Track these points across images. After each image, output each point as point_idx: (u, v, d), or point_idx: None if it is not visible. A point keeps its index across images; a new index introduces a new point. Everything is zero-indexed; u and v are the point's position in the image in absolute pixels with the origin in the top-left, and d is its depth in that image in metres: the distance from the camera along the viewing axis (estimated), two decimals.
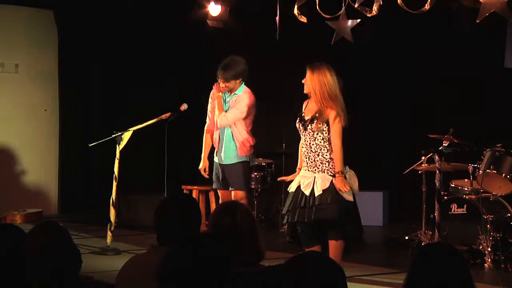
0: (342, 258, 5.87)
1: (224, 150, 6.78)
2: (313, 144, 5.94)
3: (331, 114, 5.87)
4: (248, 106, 6.75)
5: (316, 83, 5.90)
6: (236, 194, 6.71)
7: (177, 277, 2.41)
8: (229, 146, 6.78)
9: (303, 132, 6.01)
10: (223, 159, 6.79)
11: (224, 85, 6.76)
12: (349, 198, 5.87)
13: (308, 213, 5.84)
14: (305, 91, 6.01)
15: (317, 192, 5.83)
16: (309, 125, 5.95)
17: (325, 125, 5.91)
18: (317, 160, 5.91)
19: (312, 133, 5.94)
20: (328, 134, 5.91)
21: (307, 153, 5.97)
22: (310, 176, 5.92)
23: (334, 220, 5.81)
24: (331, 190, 5.83)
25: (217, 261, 2.45)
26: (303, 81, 5.99)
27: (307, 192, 5.87)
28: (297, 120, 6.06)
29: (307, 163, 5.97)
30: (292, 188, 6.03)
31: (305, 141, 6.01)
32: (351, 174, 5.97)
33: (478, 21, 6.06)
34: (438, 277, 2.53)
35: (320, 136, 5.93)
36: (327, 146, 5.91)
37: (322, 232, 5.94)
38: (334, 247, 5.87)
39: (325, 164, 5.89)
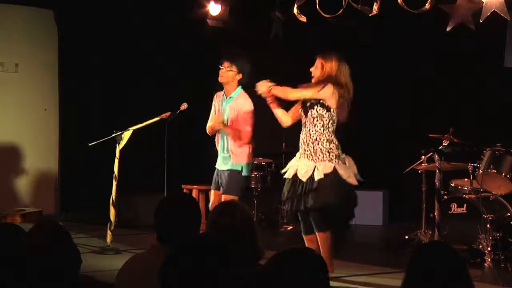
0: (331, 248, 5.90)
1: (221, 156, 6.71)
2: (312, 131, 5.94)
3: (327, 88, 5.85)
4: (251, 115, 6.63)
5: (321, 68, 5.94)
6: (226, 198, 6.51)
7: (179, 278, 2.41)
8: (225, 152, 6.68)
9: (304, 118, 6.01)
10: (218, 164, 6.73)
11: (226, 69, 6.62)
12: (353, 181, 5.88)
13: (305, 200, 5.86)
14: (313, 81, 6.01)
15: (318, 176, 5.82)
16: (309, 110, 5.95)
17: (325, 110, 5.89)
18: (317, 149, 5.90)
19: (312, 119, 5.93)
20: (328, 122, 5.91)
21: (307, 140, 5.96)
22: (310, 165, 5.90)
23: (331, 206, 5.81)
24: (333, 174, 5.83)
25: (217, 261, 2.46)
26: (311, 69, 6.01)
27: (304, 179, 5.88)
28: (300, 107, 6.06)
29: (305, 150, 5.96)
30: (288, 174, 6.03)
31: (305, 127, 6.01)
32: (349, 160, 5.97)
33: (482, 21, 6.09)
34: (436, 276, 2.53)
35: (320, 123, 5.91)
36: (326, 135, 5.91)
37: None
38: (322, 238, 5.87)
39: (325, 154, 5.89)
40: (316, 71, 5.99)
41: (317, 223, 5.89)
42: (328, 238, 5.89)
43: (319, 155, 5.89)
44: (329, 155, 5.88)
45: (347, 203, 5.93)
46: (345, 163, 5.91)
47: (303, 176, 5.89)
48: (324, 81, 5.88)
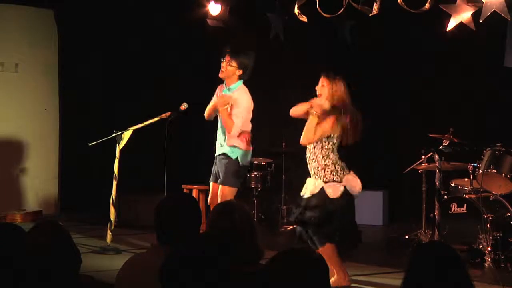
0: (336, 260, 5.89)
1: (218, 142, 6.69)
2: (312, 152, 6.04)
3: (328, 120, 5.92)
4: (247, 109, 6.64)
5: (329, 89, 5.95)
6: (223, 190, 6.56)
7: (179, 277, 2.41)
8: (223, 136, 6.68)
9: None
10: (216, 150, 6.72)
11: (227, 63, 6.60)
12: (335, 195, 5.87)
13: (298, 215, 5.99)
14: (320, 99, 6.02)
15: (306, 195, 5.96)
16: None
17: (325, 138, 5.96)
18: (315, 167, 6.00)
19: (315, 142, 6.00)
20: (328, 143, 5.97)
21: (308, 159, 6.08)
22: (309, 182, 6.05)
23: (315, 224, 5.88)
24: (318, 195, 5.90)
25: (217, 261, 2.46)
26: (316, 88, 6.02)
27: (301, 193, 6.04)
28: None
29: (309, 168, 6.08)
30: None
31: (308, 148, 6.09)
32: (349, 178, 5.97)
33: (481, 21, 6.09)
34: (436, 276, 2.53)
35: (319, 144, 6.00)
36: (324, 153, 5.97)
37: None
38: (323, 253, 5.84)
39: (321, 171, 5.95)
40: (323, 89, 5.99)
41: (316, 239, 5.93)
42: (329, 251, 5.86)
43: (317, 172, 5.99)
44: (324, 172, 5.94)
45: (336, 219, 5.91)
46: (340, 181, 5.92)
47: (302, 192, 6.07)
48: (335, 108, 5.90)
